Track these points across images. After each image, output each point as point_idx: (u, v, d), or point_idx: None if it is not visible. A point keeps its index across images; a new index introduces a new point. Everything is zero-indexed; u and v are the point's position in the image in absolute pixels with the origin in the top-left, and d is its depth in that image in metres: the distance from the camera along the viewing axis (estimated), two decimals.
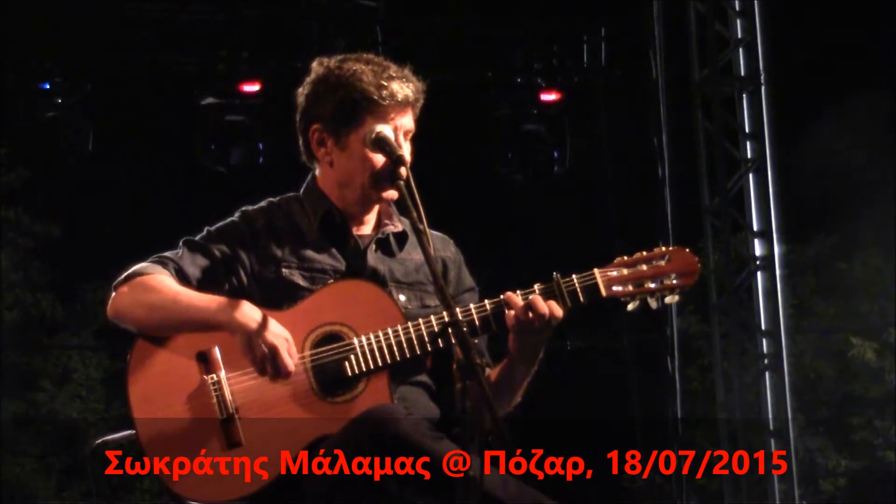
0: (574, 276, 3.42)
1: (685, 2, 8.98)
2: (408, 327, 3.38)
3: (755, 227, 8.99)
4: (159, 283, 3.42)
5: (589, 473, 10.75)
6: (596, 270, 3.44)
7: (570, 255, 9.57)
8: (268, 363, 3.31)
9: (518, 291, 3.39)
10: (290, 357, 3.33)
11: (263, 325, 3.32)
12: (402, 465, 3.13)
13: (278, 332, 3.33)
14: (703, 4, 8.97)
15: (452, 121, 8.67)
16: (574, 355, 10.83)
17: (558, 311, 3.37)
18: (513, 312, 3.36)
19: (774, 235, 8.88)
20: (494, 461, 3.09)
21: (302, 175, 3.66)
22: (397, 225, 3.61)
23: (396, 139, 3.45)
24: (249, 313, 3.34)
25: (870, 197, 10.22)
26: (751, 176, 8.98)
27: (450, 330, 3.11)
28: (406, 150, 3.48)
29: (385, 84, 3.45)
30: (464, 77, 9.24)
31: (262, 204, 3.63)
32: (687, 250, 3.49)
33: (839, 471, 11.43)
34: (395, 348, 3.37)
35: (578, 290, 3.40)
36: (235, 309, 3.34)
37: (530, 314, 3.35)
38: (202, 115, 8.83)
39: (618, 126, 9.74)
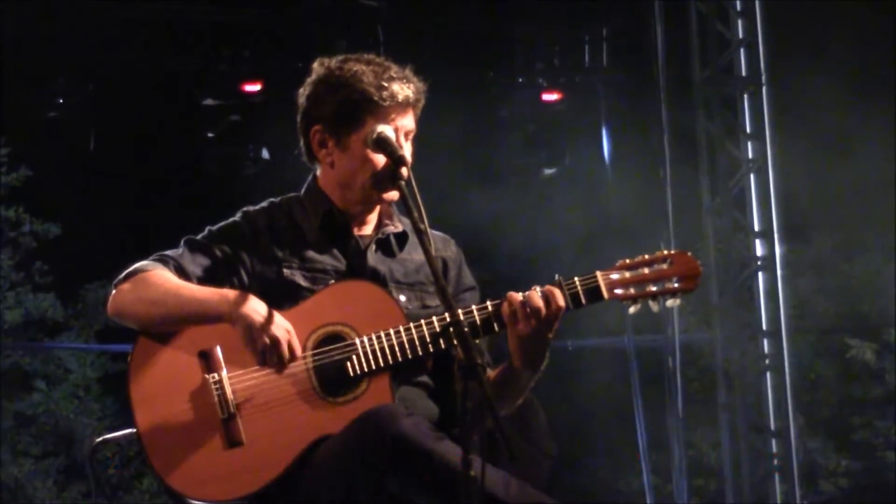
0: (576, 278, 3.42)
1: (686, 2, 8.98)
2: (410, 328, 3.39)
3: (756, 228, 8.99)
4: (160, 278, 3.43)
5: (589, 473, 10.75)
6: (598, 273, 3.44)
7: (571, 256, 9.59)
8: (269, 353, 3.31)
9: (520, 293, 3.39)
10: (293, 347, 3.33)
11: (265, 316, 3.32)
12: (404, 465, 3.13)
13: (280, 323, 3.34)
14: (704, 5, 8.97)
15: (453, 121, 8.65)
16: (574, 355, 10.82)
17: (560, 301, 3.35)
18: (509, 309, 3.35)
19: (776, 236, 8.88)
20: (495, 461, 3.10)
21: (303, 175, 3.66)
22: (398, 225, 3.62)
23: (397, 140, 3.45)
24: (251, 304, 3.34)
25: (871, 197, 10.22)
26: (752, 176, 8.98)
27: (451, 330, 3.12)
28: (407, 151, 3.48)
29: (386, 85, 3.46)
30: (465, 77, 9.23)
31: (264, 204, 3.63)
32: (689, 254, 3.50)
33: (840, 471, 11.42)
34: (397, 349, 3.38)
35: (580, 292, 3.41)
36: (237, 300, 3.34)
37: (528, 309, 3.34)
38: (203, 115, 8.84)
39: (619, 126, 9.73)
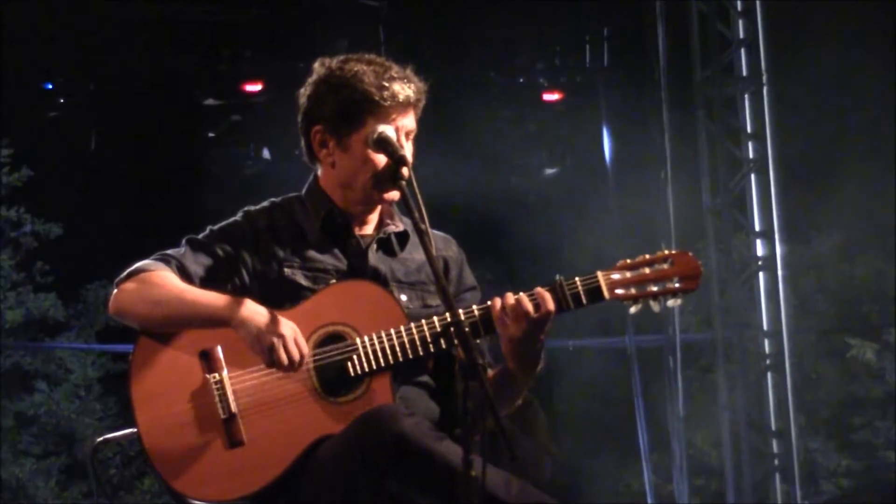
0: (577, 278, 3.42)
1: (687, 2, 8.98)
2: (411, 328, 3.38)
3: (757, 228, 8.99)
4: (163, 279, 3.43)
5: (589, 473, 10.75)
6: (599, 273, 3.43)
7: (573, 256, 9.59)
8: (277, 353, 3.31)
9: (514, 294, 3.39)
10: (301, 346, 3.33)
11: (269, 318, 3.32)
12: (404, 465, 3.13)
13: (286, 323, 3.34)
14: (705, 5, 8.97)
15: (453, 121, 8.66)
16: (574, 355, 10.82)
17: (550, 305, 3.35)
18: (498, 310, 3.35)
19: (776, 235, 8.88)
20: (496, 461, 3.10)
21: (304, 175, 3.66)
22: (399, 225, 3.61)
23: (398, 140, 3.45)
24: (255, 309, 3.34)
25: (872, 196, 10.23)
26: (752, 176, 8.98)
27: (452, 330, 3.12)
28: (408, 151, 3.48)
29: (386, 85, 3.45)
30: (465, 77, 9.24)
31: (265, 204, 3.63)
32: (690, 254, 3.50)
33: (840, 471, 11.42)
34: (398, 349, 3.37)
35: (581, 292, 3.40)
36: (241, 305, 3.34)
37: (517, 311, 3.33)
38: (204, 115, 8.85)
39: (619, 126, 9.74)
